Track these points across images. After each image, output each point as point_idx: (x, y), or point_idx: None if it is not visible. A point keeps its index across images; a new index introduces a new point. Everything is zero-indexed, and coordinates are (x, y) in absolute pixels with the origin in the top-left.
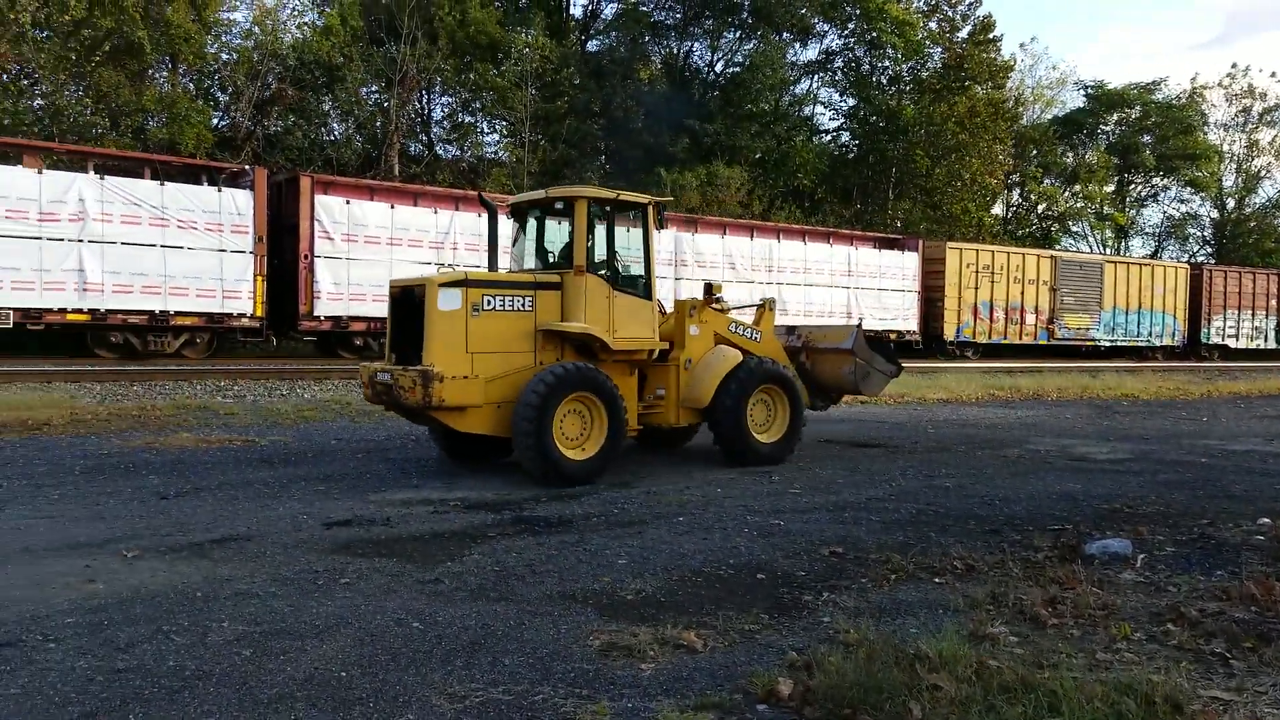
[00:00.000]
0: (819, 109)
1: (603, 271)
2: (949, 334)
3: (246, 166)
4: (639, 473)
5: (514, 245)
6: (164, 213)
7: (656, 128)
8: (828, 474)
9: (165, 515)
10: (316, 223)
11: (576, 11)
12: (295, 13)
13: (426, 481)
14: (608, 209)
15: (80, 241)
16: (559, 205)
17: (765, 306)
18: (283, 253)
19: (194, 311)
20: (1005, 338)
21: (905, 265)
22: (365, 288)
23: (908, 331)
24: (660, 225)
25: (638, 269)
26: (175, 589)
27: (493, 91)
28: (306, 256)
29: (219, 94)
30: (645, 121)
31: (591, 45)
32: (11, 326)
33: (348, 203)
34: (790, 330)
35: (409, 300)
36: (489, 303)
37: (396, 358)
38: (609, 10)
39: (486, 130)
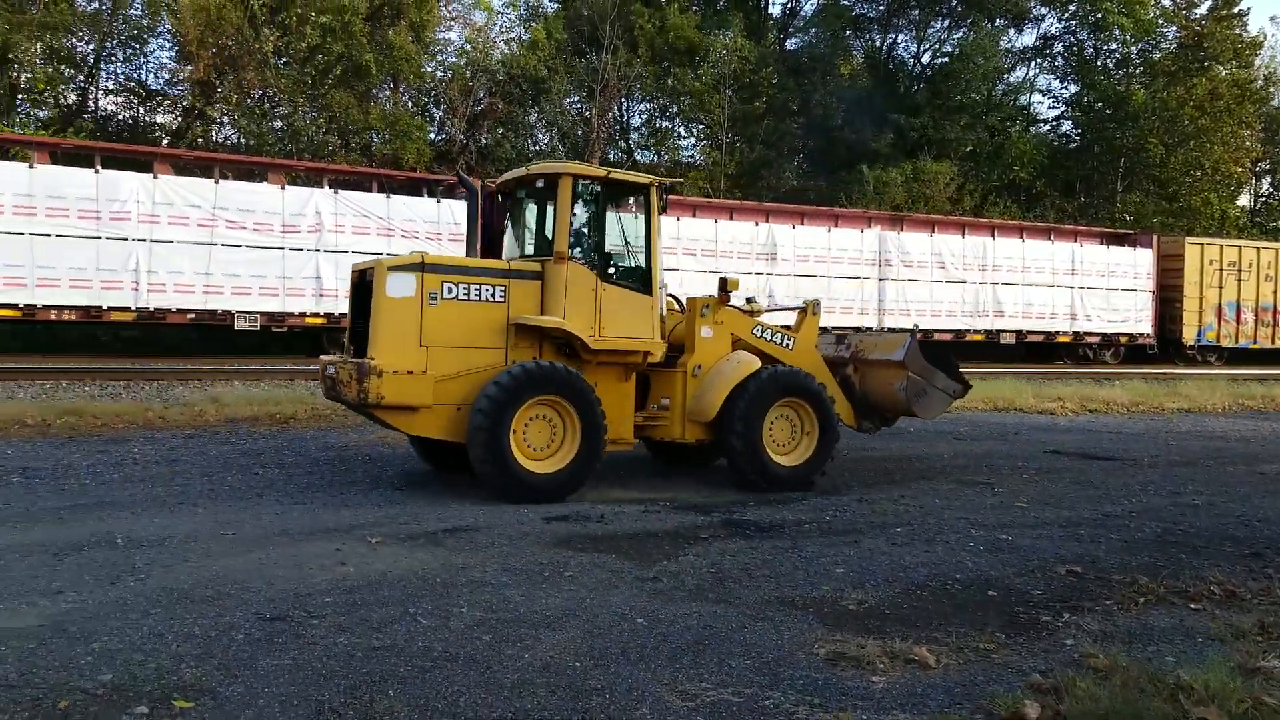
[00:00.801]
0: (1036, 97)
1: (589, 260)
2: (1189, 337)
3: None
4: (850, 480)
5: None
6: (389, 223)
7: (858, 124)
8: (1058, 488)
9: (400, 505)
10: None
11: (775, 10)
12: (504, 29)
13: (633, 480)
14: (597, 189)
15: (317, 251)
16: (540, 184)
17: (808, 310)
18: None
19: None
20: (1255, 341)
21: (1137, 263)
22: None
23: (1140, 335)
24: (663, 209)
25: (637, 259)
26: (417, 574)
27: (690, 95)
28: None
29: (434, 110)
30: (846, 118)
31: (790, 44)
32: (259, 329)
33: None
34: (840, 339)
35: (364, 286)
36: (450, 290)
37: (354, 350)
38: (808, 7)
39: (683, 134)
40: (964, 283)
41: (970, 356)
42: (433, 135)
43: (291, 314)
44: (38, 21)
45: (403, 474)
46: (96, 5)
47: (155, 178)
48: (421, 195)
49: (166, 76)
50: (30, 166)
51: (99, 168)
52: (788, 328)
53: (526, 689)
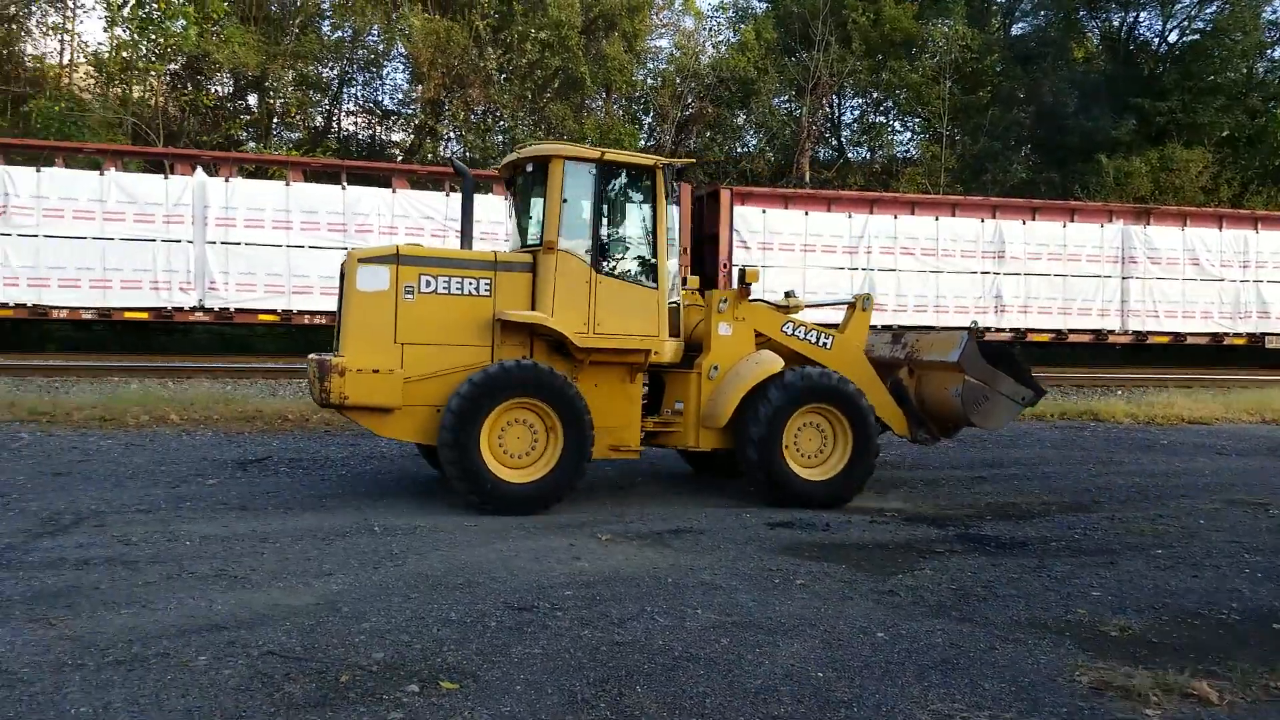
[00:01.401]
0: None
1: (583, 250)
2: None
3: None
4: (1098, 496)
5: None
6: None
7: (1095, 111)
8: None
9: (627, 504)
10: (735, 232)
11: None
12: (712, 33)
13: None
14: (592, 172)
15: None
16: (530, 169)
17: (856, 305)
18: (702, 263)
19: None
20: None
21: None
22: (779, 294)
23: None
24: (670, 193)
25: (641, 249)
26: (648, 574)
27: (907, 88)
28: (725, 265)
29: (643, 117)
30: (1080, 105)
31: (1016, 29)
32: None
33: (763, 212)
34: (897, 338)
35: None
36: (428, 284)
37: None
38: None
39: (899, 129)
40: (1222, 280)
41: (1230, 362)
42: (642, 142)
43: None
44: (290, 51)
45: (625, 474)
46: (340, 34)
47: (394, 192)
48: None
49: (400, 97)
50: (286, 184)
51: (345, 184)
52: (833, 326)
53: (771, 696)
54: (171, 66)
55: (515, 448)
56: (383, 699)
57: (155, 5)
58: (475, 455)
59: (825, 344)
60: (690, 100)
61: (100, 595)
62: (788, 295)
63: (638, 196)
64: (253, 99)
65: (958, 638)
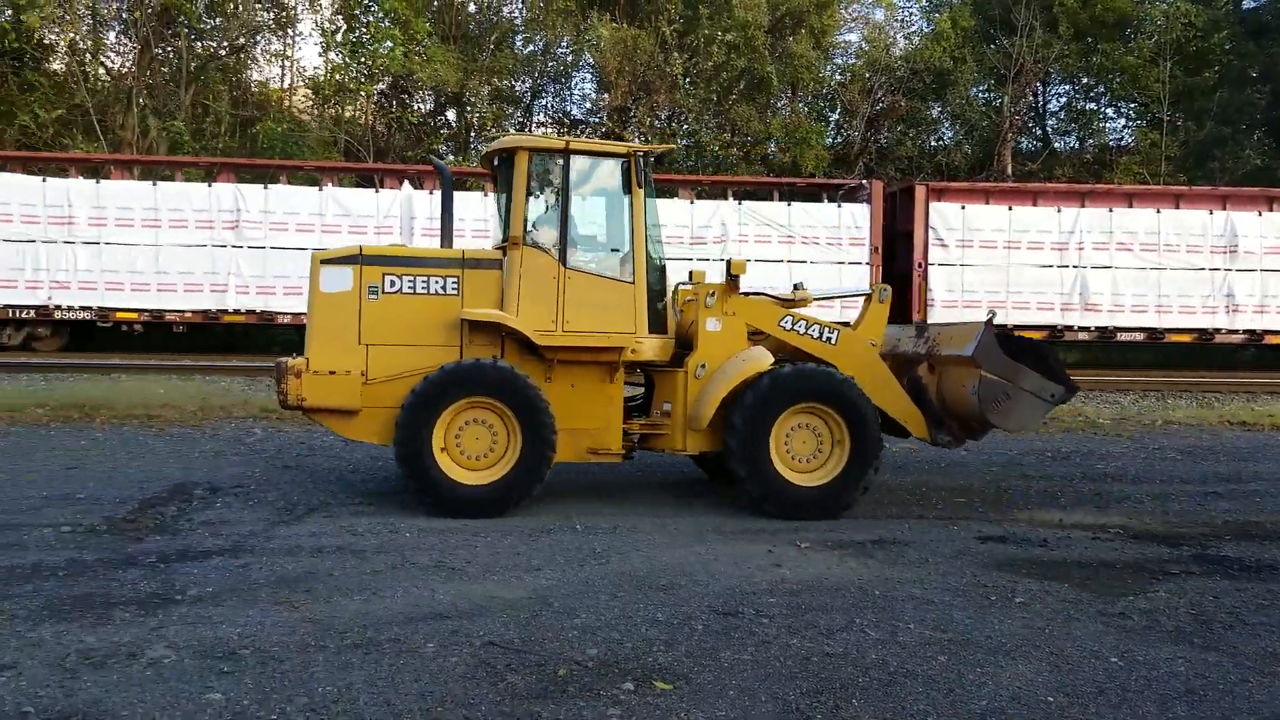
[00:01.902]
0: None
1: (550, 244)
2: None
3: (863, 181)
4: None
5: None
6: (790, 231)
7: None
8: None
9: None
10: (930, 230)
11: None
12: (904, 24)
13: (1075, 503)
14: (559, 163)
15: (722, 261)
16: (496, 162)
17: (873, 297)
18: (896, 262)
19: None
20: None
21: None
22: (980, 294)
23: None
24: (642, 183)
25: (616, 242)
26: (853, 584)
27: (1121, 72)
28: (920, 265)
29: (830, 113)
30: None
31: (1249, 2)
32: None
33: (962, 208)
34: (920, 330)
35: None
36: (393, 284)
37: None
38: None
39: (1111, 116)
40: None
41: None
42: (830, 139)
43: None
44: (486, 67)
45: None
46: (532, 48)
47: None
48: (821, 201)
49: (588, 106)
50: (484, 194)
51: None
52: (845, 324)
53: (998, 718)
54: (379, 86)
55: (473, 449)
56: (600, 695)
57: (365, 30)
58: (425, 456)
59: (830, 339)
60: (880, 94)
61: (334, 581)
62: (796, 288)
63: (611, 188)
64: (451, 114)
65: (1202, 668)
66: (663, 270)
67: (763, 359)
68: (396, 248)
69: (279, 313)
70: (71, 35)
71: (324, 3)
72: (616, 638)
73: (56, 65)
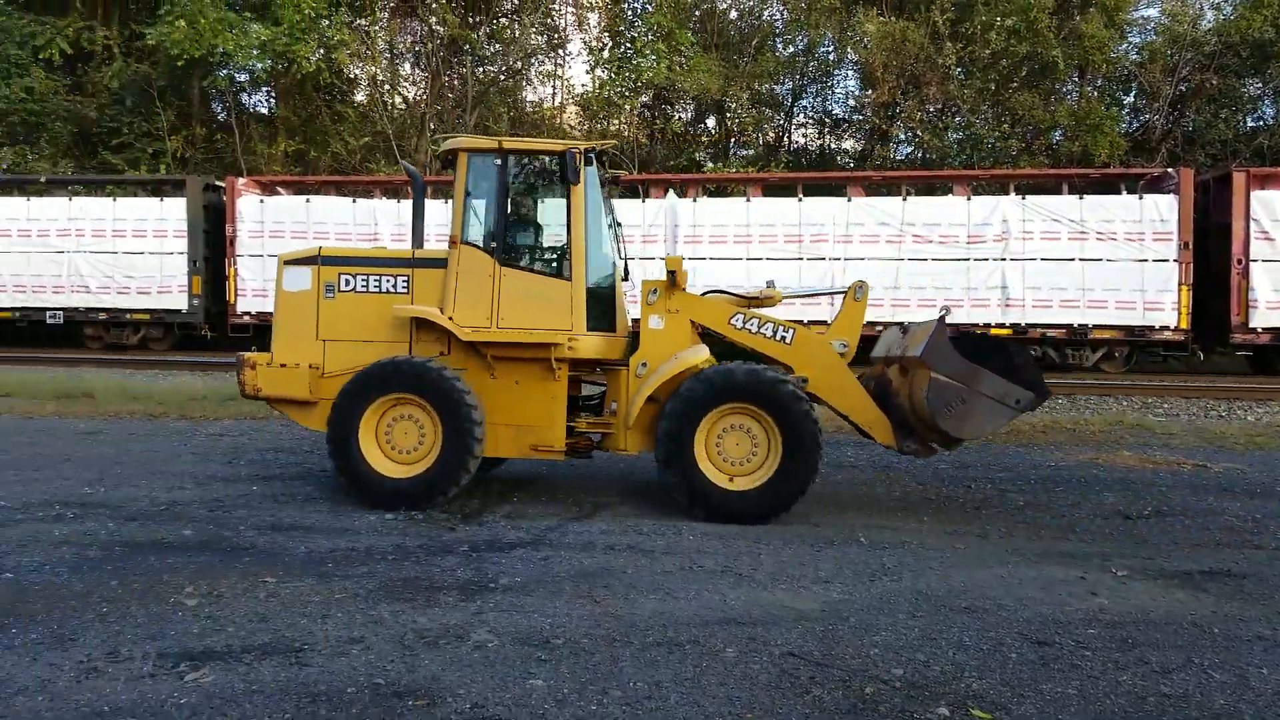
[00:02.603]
0: None
1: (486, 242)
2: None
3: (1168, 169)
4: None
5: None
6: (1082, 226)
7: None
8: None
9: (1131, 536)
10: (1253, 222)
11: None
12: None
13: None
14: (496, 163)
15: (1003, 260)
16: (444, 163)
17: (849, 294)
18: (1208, 258)
19: (1112, 324)
20: None
21: None
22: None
23: None
24: (577, 180)
25: (553, 240)
26: (1185, 619)
27: None
28: (1240, 261)
29: (1124, 97)
30: None
31: None
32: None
33: None
34: (905, 331)
35: None
36: (347, 283)
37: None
38: None
39: None
40: None
41: None
42: (1126, 125)
43: (977, 325)
44: (746, 72)
45: (1126, 499)
46: (792, 50)
47: (849, 200)
48: (1119, 193)
49: (851, 104)
50: (747, 200)
51: (801, 196)
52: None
53: None
54: (643, 99)
55: (403, 443)
56: (914, 717)
57: (630, 45)
58: (351, 450)
59: (785, 338)
60: (1186, 72)
61: (629, 579)
62: (769, 285)
63: (548, 186)
64: (711, 121)
65: None
66: (616, 269)
67: (695, 358)
68: (352, 249)
69: None
70: (372, 70)
71: (591, 22)
72: (922, 659)
73: (360, 97)
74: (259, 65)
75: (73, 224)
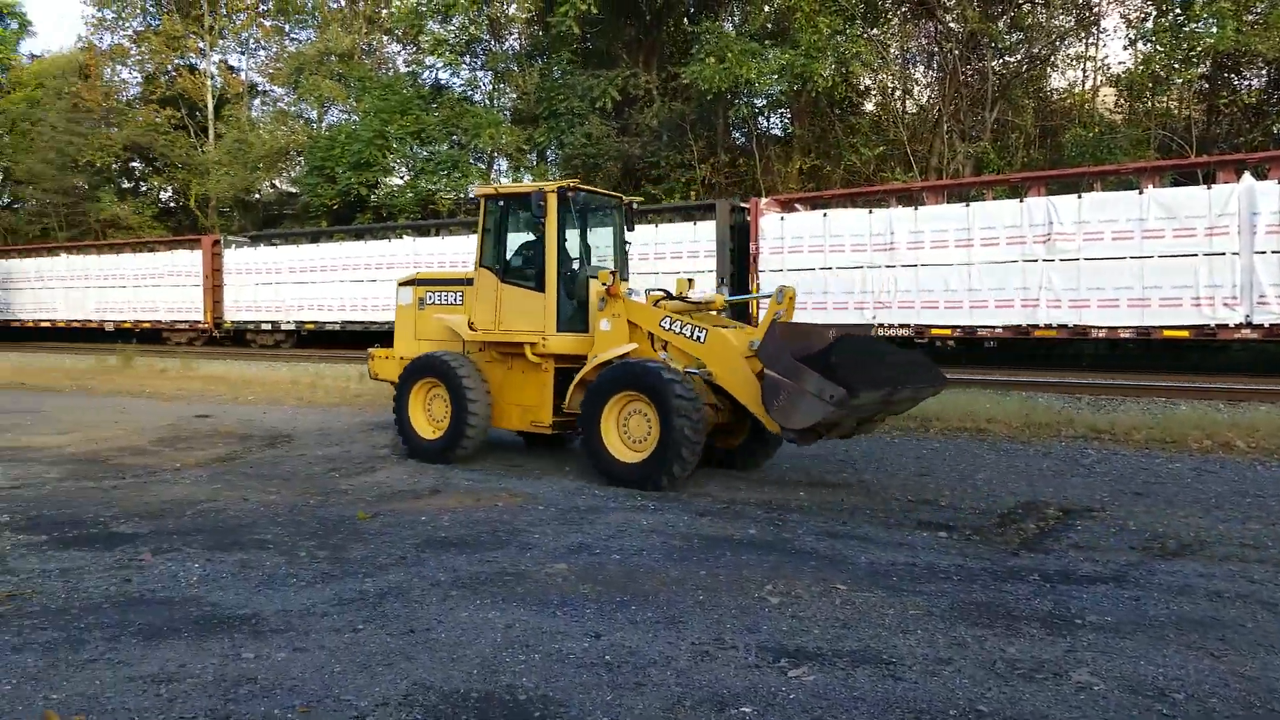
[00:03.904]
0: None
1: (493, 265)
2: None
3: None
4: None
5: None
6: None
7: None
8: None
9: None
10: None
11: None
12: None
13: None
14: (500, 202)
15: None
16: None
17: (773, 298)
18: None
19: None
20: None
21: None
22: None
23: None
24: (542, 215)
25: (534, 262)
26: None
27: None
28: None
29: None
30: None
31: None
32: None
33: None
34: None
35: None
36: (432, 298)
37: None
38: None
39: None
40: None
41: None
42: None
43: None
44: None
45: None
46: None
47: None
48: None
49: None
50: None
51: None
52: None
53: None
54: (1199, 70)
55: (437, 414)
56: None
57: (1180, 11)
58: (405, 420)
59: (699, 337)
60: None
61: (1250, 634)
62: (718, 289)
63: (529, 220)
64: None
65: None
66: (585, 281)
67: (611, 354)
68: (436, 273)
69: (1092, 326)
70: (883, 78)
71: None
72: None
73: (869, 106)
74: (777, 89)
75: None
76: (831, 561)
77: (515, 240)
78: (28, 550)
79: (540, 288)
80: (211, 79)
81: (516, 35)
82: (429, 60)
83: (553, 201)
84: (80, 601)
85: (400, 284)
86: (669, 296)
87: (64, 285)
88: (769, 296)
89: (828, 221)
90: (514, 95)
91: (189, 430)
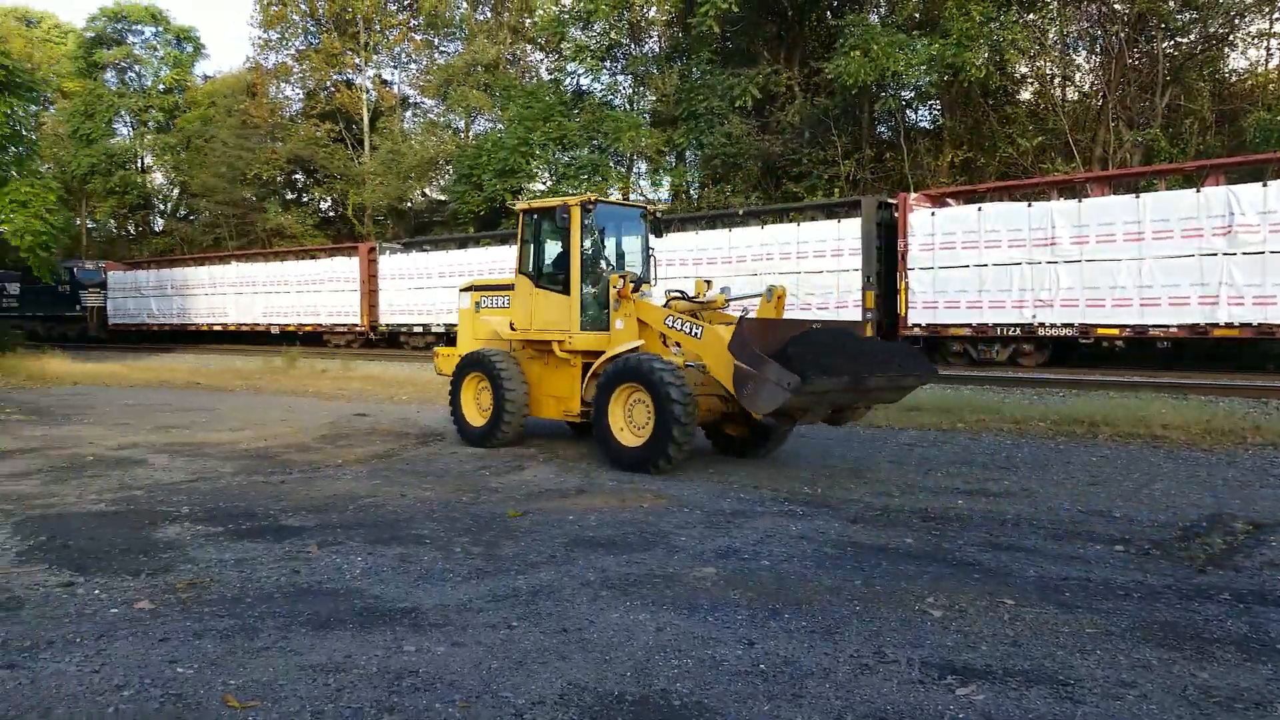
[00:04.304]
0: None
1: (529, 271)
2: None
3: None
4: None
5: None
6: None
7: None
8: None
9: None
10: None
11: None
12: None
13: None
14: (535, 216)
15: None
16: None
17: (764, 297)
18: None
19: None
20: None
21: None
22: None
23: None
24: (567, 226)
25: (561, 268)
26: None
27: None
28: None
29: None
30: None
31: None
32: None
33: None
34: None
35: None
36: (487, 303)
37: None
38: None
39: None
40: None
41: None
42: None
43: None
44: None
45: None
46: None
47: None
48: None
49: None
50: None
51: None
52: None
53: None
54: None
55: (484, 403)
56: None
57: None
58: (459, 407)
59: (696, 334)
60: None
61: None
62: (723, 291)
63: (559, 231)
64: None
65: None
66: (607, 284)
67: (618, 350)
68: (488, 280)
69: (1277, 325)
70: (1042, 65)
71: None
72: None
73: (1025, 95)
74: (926, 80)
75: (764, 249)
76: (997, 574)
77: (548, 249)
78: (205, 540)
79: (566, 291)
80: (367, 93)
81: (656, 38)
82: (570, 67)
83: (575, 214)
84: (254, 591)
85: (461, 290)
86: (683, 297)
87: (234, 291)
88: (757, 296)
89: (983, 216)
90: (653, 98)
91: (348, 428)
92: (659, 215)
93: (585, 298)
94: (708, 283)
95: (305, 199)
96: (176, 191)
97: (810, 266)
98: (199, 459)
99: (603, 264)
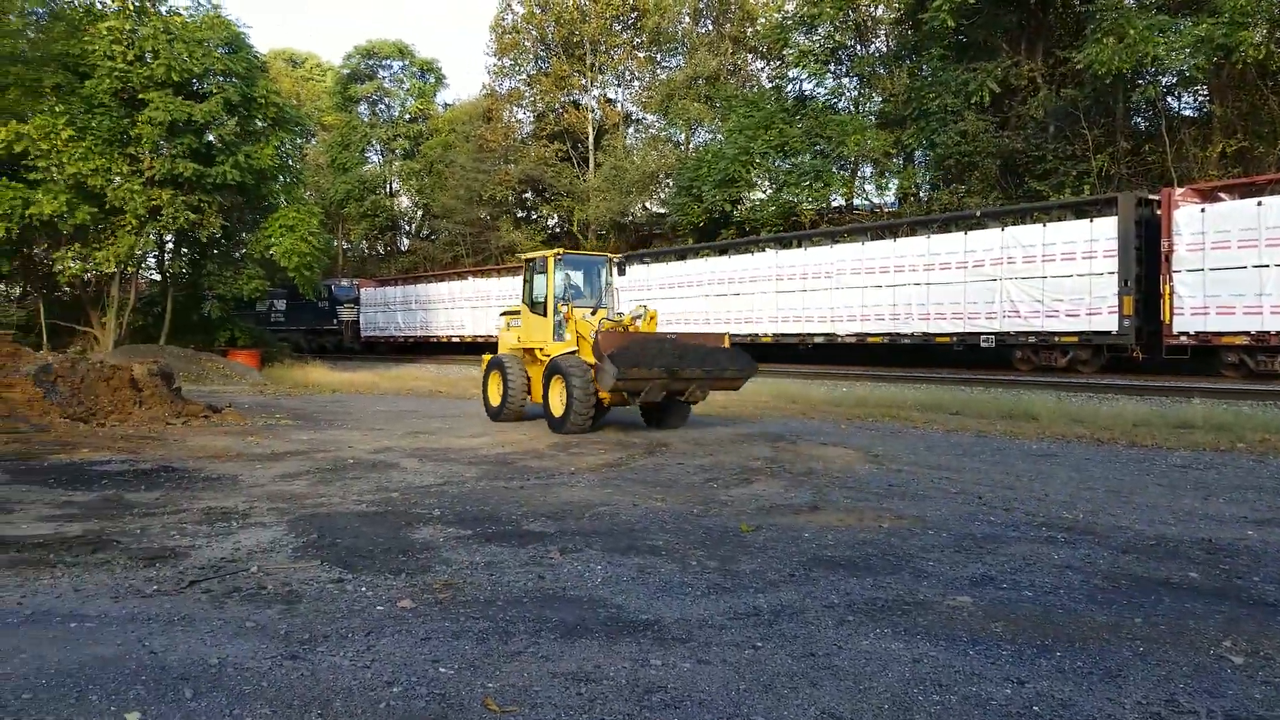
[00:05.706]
0: None
1: (528, 300)
2: None
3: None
4: None
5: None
6: None
7: None
8: None
9: None
10: None
11: None
12: None
13: None
14: (530, 262)
15: None
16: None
17: (642, 316)
18: None
19: None
20: None
21: None
22: None
23: None
24: (541, 270)
25: (541, 298)
26: None
27: None
28: None
29: None
30: None
31: None
32: None
33: None
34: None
35: None
36: (510, 325)
37: None
38: None
39: None
40: None
41: None
42: None
43: None
44: None
45: None
46: None
47: None
48: None
49: None
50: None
51: None
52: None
53: None
54: None
55: (499, 390)
56: None
57: None
58: (485, 391)
59: (593, 338)
60: None
61: None
62: (644, 308)
63: (543, 273)
64: None
65: None
66: (572, 309)
67: (553, 352)
68: (513, 306)
69: None
70: None
71: None
72: None
73: None
74: (1191, 64)
75: (1004, 252)
76: None
77: (536, 286)
78: (457, 543)
79: (544, 315)
80: (592, 112)
81: (883, 37)
82: (792, 73)
83: (551, 262)
84: (504, 594)
85: (500, 314)
86: (619, 318)
87: (470, 305)
88: (639, 316)
89: (1263, 211)
90: (879, 99)
91: (577, 436)
92: (619, 260)
93: (557, 320)
94: (645, 307)
95: (534, 216)
96: (420, 213)
97: (1056, 270)
98: (445, 463)
99: (569, 296)
